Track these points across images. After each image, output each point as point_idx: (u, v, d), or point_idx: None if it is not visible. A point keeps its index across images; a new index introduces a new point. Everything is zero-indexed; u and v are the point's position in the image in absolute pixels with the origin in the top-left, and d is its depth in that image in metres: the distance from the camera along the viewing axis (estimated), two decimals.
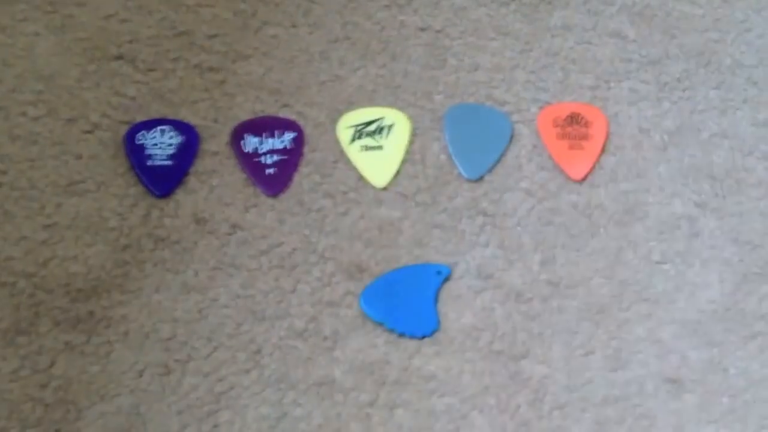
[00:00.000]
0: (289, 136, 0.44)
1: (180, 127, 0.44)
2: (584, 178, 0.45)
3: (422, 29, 0.47)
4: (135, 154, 0.43)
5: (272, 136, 0.44)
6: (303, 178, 0.44)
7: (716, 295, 0.43)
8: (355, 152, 0.44)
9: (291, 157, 0.44)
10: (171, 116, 0.44)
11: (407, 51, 0.46)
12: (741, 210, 0.45)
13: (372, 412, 0.40)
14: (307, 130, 0.45)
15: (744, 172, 0.45)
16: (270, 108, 0.45)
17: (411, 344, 0.41)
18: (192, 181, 0.43)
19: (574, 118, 0.45)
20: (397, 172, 0.44)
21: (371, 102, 0.45)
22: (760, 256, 0.44)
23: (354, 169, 0.44)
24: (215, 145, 0.44)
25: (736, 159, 0.46)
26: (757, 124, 0.46)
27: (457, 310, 0.42)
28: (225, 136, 0.44)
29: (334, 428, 0.40)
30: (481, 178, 0.44)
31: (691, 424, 0.41)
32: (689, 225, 0.44)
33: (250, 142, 0.44)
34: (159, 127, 0.44)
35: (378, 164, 0.44)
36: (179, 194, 0.43)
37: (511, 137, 0.45)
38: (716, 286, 0.43)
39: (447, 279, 0.43)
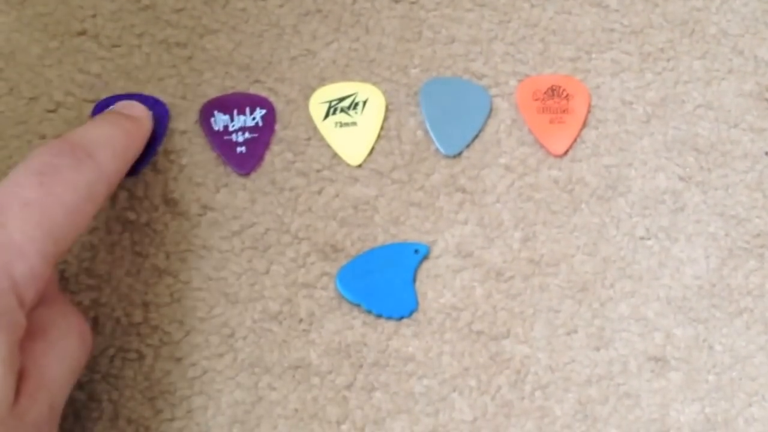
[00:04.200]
0: (259, 113, 0.43)
1: (148, 102, 0.42)
2: (565, 153, 0.44)
3: (396, 1, 0.45)
4: None
5: (243, 113, 0.43)
6: (275, 156, 0.42)
7: (702, 270, 0.42)
8: (328, 129, 0.43)
9: (262, 135, 0.42)
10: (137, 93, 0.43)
11: (381, 24, 0.45)
12: (727, 183, 0.44)
13: (349, 395, 0.39)
14: (279, 107, 0.43)
15: (729, 145, 0.44)
16: (240, 84, 0.44)
17: (389, 325, 0.41)
18: (161, 160, 0.42)
19: (554, 91, 0.44)
20: (372, 149, 0.43)
21: (344, 77, 0.44)
22: (746, 230, 0.43)
23: (328, 146, 0.43)
24: (184, 123, 0.43)
25: (721, 131, 0.45)
26: (743, 94, 0.45)
27: (436, 289, 0.41)
28: (194, 114, 0.43)
29: (311, 412, 0.39)
30: (459, 154, 0.43)
31: (676, 403, 0.40)
32: (674, 199, 0.43)
33: (220, 120, 0.42)
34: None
35: (352, 141, 0.43)
36: (148, 174, 0.42)
37: (490, 111, 0.44)
38: (702, 262, 0.42)
39: (425, 258, 0.42)
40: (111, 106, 0.38)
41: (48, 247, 0.29)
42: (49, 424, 0.31)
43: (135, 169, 0.41)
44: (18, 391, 0.28)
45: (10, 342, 0.27)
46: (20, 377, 0.28)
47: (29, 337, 0.29)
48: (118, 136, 0.34)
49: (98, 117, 0.35)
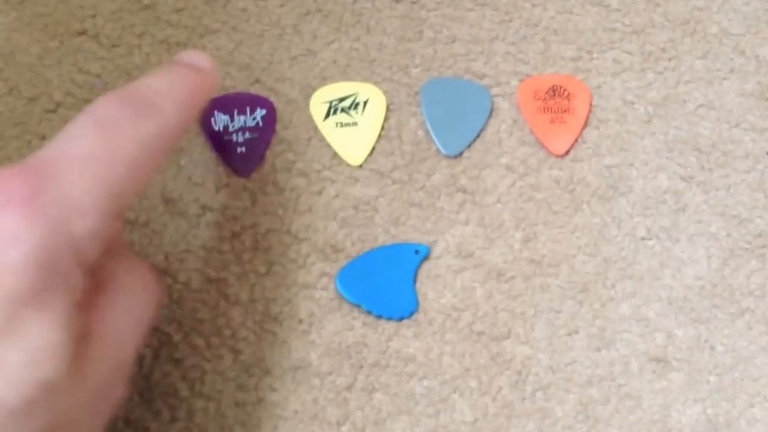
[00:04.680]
0: (260, 113, 0.43)
1: None
2: (566, 153, 0.44)
3: (397, 0, 0.45)
4: None
5: (243, 113, 0.43)
6: (275, 156, 0.42)
7: (703, 271, 0.42)
8: (329, 129, 0.43)
9: (262, 135, 0.42)
10: None
11: (382, 23, 0.45)
12: (728, 183, 0.44)
13: (349, 396, 0.39)
14: (279, 107, 0.43)
15: (731, 144, 0.44)
16: (241, 84, 0.43)
17: (389, 326, 0.40)
18: None
19: (555, 91, 0.44)
20: (373, 149, 0.43)
21: (345, 77, 0.44)
22: (748, 230, 0.43)
23: (328, 146, 0.43)
24: None
25: (722, 131, 0.44)
26: (745, 94, 0.45)
27: (437, 290, 0.41)
28: None
29: (311, 413, 0.39)
30: (459, 154, 0.43)
31: (677, 404, 0.40)
32: (675, 199, 0.43)
33: (220, 120, 0.42)
34: None
35: (353, 141, 0.43)
36: None
37: (491, 112, 0.44)
38: (703, 262, 0.42)
39: (426, 258, 0.41)
40: (176, 56, 0.35)
41: (109, 203, 0.28)
42: (118, 382, 0.30)
43: None
44: (81, 352, 0.27)
45: (68, 304, 0.26)
46: (83, 337, 0.27)
47: (92, 293, 0.28)
48: (182, 87, 0.32)
49: (162, 67, 0.33)
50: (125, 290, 0.30)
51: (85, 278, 0.27)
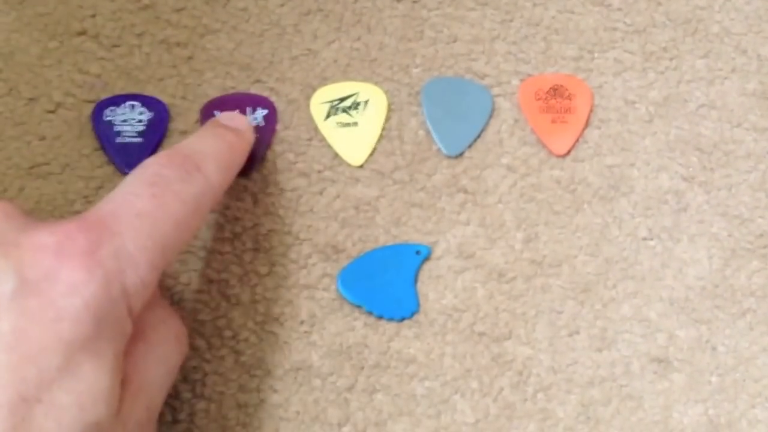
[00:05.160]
0: (260, 113, 0.43)
1: (149, 102, 0.42)
2: (568, 153, 0.43)
3: (398, 0, 0.45)
4: (103, 131, 0.42)
5: (243, 113, 0.42)
6: (276, 156, 0.42)
7: (705, 271, 0.42)
8: (329, 129, 0.43)
9: (263, 135, 0.42)
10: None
11: (382, 23, 0.45)
12: (730, 183, 0.44)
13: (351, 397, 0.39)
14: (280, 107, 0.43)
15: (733, 144, 0.44)
16: (241, 84, 0.43)
17: (390, 327, 0.40)
18: None
19: (557, 91, 0.44)
20: (374, 149, 0.43)
21: (346, 76, 0.44)
22: (749, 230, 0.43)
23: (329, 146, 0.43)
24: (183, 123, 0.42)
25: (724, 130, 0.44)
26: (746, 94, 0.45)
27: (438, 290, 0.41)
28: (194, 114, 0.43)
29: (312, 414, 0.39)
30: (460, 155, 0.43)
31: (679, 404, 0.40)
32: (676, 199, 0.43)
33: None
34: (128, 103, 0.42)
35: (354, 141, 0.43)
36: None
37: (492, 111, 0.44)
38: (705, 262, 0.42)
39: (427, 259, 0.41)
40: (214, 117, 0.38)
41: (157, 258, 0.30)
42: (147, 428, 0.31)
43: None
44: (122, 397, 0.29)
45: (117, 351, 0.28)
46: (123, 382, 0.29)
47: (131, 341, 0.30)
48: (223, 150, 0.35)
49: (203, 129, 0.36)
50: (159, 340, 0.32)
51: (130, 328, 0.29)
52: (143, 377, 0.31)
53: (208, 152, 0.34)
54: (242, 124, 0.38)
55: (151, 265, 0.29)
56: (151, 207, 0.30)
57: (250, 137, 0.38)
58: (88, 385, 0.27)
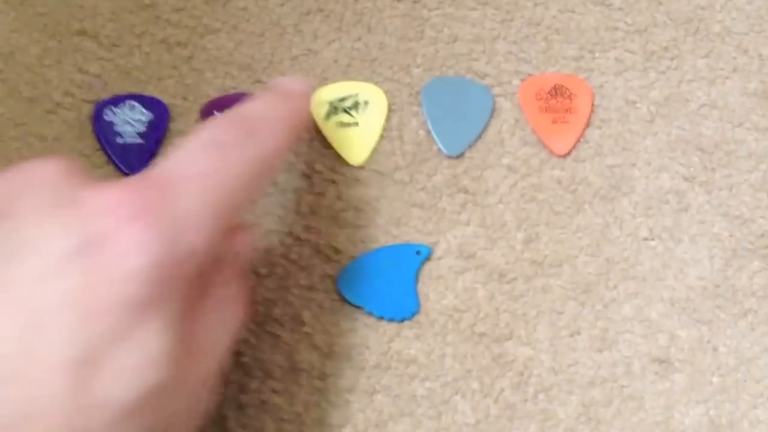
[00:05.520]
0: None
1: (149, 102, 0.42)
2: (568, 153, 0.43)
3: (398, 0, 0.45)
4: (103, 131, 0.42)
5: None
6: None
7: (706, 271, 0.42)
8: (330, 129, 0.43)
9: None
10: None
11: (383, 23, 0.45)
12: (731, 183, 0.43)
13: (351, 398, 0.39)
14: None
15: (734, 144, 0.44)
16: (241, 84, 0.43)
17: (390, 328, 0.40)
18: None
19: (557, 90, 0.44)
20: (374, 150, 0.43)
21: (346, 77, 0.44)
22: (750, 230, 0.43)
23: (329, 146, 0.43)
24: (184, 123, 0.42)
25: (725, 130, 0.44)
26: (748, 93, 0.45)
27: (438, 291, 0.41)
28: (194, 114, 0.43)
29: (313, 416, 0.39)
30: (461, 155, 0.43)
31: (680, 405, 0.40)
32: (677, 199, 0.43)
33: None
34: (128, 103, 0.42)
35: (354, 141, 0.43)
36: None
37: (492, 111, 0.44)
38: (706, 263, 0.42)
39: (427, 259, 0.41)
40: (272, 81, 0.38)
41: (222, 219, 0.30)
42: (209, 389, 0.31)
43: (135, 171, 0.41)
44: (183, 358, 0.29)
45: (179, 312, 0.28)
46: (185, 344, 0.29)
47: (193, 301, 0.30)
48: (281, 112, 0.34)
49: (262, 93, 0.36)
50: (221, 302, 0.32)
51: (192, 289, 0.29)
52: (204, 338, 0.30)
53: (266, 116, 0.33)
54: (300, 86, 0.37)
55: (212, 227, 0.29)
56: (211, 169, 0.30)
57: (308, 100, 0.38)
58: (150, 346, 0.27)
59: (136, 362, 0.26)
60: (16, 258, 0.26)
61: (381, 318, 0.40)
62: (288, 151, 0.35)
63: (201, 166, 0.30)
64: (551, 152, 0.43)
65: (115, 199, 0.27)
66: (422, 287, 0.41)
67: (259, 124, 0.33)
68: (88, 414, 0.25)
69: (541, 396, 0.40)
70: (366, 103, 0.43)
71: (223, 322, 0.32)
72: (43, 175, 0.28)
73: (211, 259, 0.31)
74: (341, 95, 0.43)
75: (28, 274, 0.26)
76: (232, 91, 0.43)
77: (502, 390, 0.40)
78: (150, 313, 0.27)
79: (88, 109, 0.42)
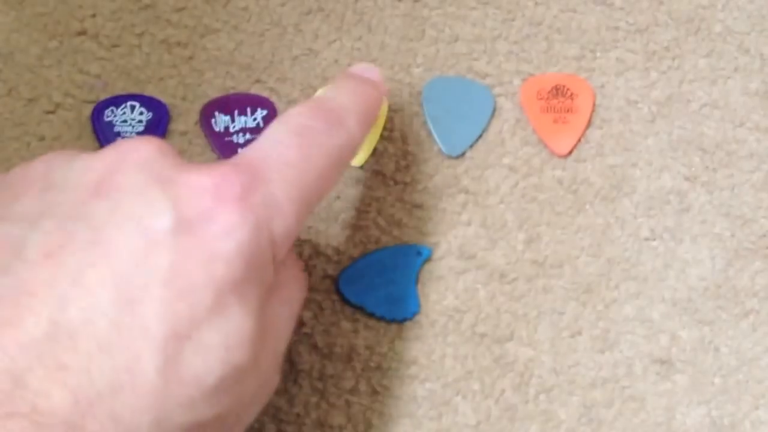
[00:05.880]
0: (261, 113, 0.42)
1: (149, 102, 0.42)
2: (569, 153, 0.43)
3: None
4: (103, 131, 0.42)
5: (244, 113, 0.42)
6: None
7: (707, 272, 0.42)
8: None
9: None
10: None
11: (384, 22, 0.45)
12: (732, 183, 0.43)
13: (352, 399, 0.39)
14: (280, 107, 0.43)
15: (735, 144, 0.44)
16: (241, 84, 0.43)
17: (391, 328, 0.40)
18: None
19: (559, 90, 0.44)
20: (374, 150, 0.43)
21: None
22: (752, 230, 0.43)
23: None
24: (184, 124, 0.42)
25: (727, 130, 0.44)
26: (749, 93, 0.45)
27: (439, 291, 0.41)
28: (194, 114, 0.42)
29: (314, 417, 0.39)
30: (462, 155, 0.43)
31: (681, 406, 0.40)
32: (679, 200, 0.43)
33: (221, 121, 0.42)
34: (128, 103, 0.42)
35: None
36: None
37: (493, 111, 0.44)
38: (707, 263, 0.42)
39: (428, 260, 0.41)
40: (349, 69, 0.38)
41: (302, 208, 0.30)
42: (274, 373, 0.32)
43: None
44: (260, 341, 0.29)
45: (261, 296, 0.29)
46: (262, 326, 0.29)
47: None
48: (362, 102, 0.35)
49: (341, 81, 0.36)
50: (284, 285, 0.32)
51: (273, 275, 0.30)
52: (274, 320, 0.31)
53: (348, 105, 0.34)
54: (377, 75, 0.37)
55: (297, 214, 0.30)
56: (299, 157, 0.30)
57: (383, 88, 0.38)
58: (235, 327, 0.27)
59: (222, 342, 0.27)
60: (114, 233, 0.27)
61: (381, 318, 0.40)
62: (363, 142, 0.35)
63: (288, 153, 0.30)
64: (552, 152, 0.43)
65: (211, 182, 0.28)
66: (423, 288, 0.41)
67: (345, 113, 0.33)
68: (174, 390, 0.26)
69: (542, 397, 0.40)
70: None
71: (289, 303, 0.33)
72: (138, 155, 0.29)
73: (289, 249, 0.31)
74: None
75: (124, 249, 0.26)
76: (232, 91, 0.43)
77: (503, 391, 0.40)
78: (238, 295, 0.27)
79: (88, 110, 0.42)
